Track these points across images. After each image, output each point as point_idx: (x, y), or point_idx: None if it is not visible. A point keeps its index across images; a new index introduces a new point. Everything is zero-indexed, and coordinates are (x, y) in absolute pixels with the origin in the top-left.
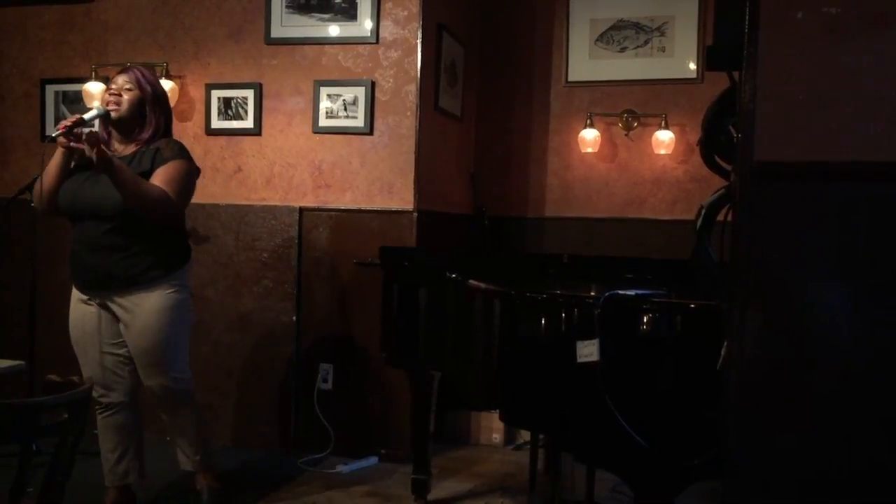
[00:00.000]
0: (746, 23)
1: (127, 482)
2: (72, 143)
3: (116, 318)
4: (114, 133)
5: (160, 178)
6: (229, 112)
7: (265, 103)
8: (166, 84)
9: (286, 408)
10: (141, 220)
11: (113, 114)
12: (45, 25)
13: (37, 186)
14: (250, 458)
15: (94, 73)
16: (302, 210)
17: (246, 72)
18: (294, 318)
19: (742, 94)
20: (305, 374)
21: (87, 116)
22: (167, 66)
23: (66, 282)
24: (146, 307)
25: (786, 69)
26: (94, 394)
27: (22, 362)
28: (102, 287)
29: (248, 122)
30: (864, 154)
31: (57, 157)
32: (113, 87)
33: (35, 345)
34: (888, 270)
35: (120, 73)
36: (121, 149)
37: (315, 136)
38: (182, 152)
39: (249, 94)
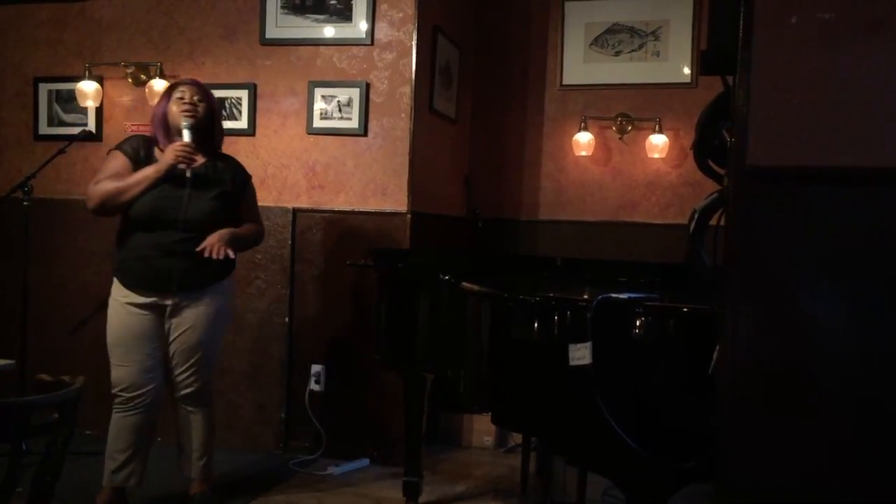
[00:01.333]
0: (740, 27)
1: (127, 485)
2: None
3: (163, 321)
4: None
5: (251, 210)
6: (224, 112)
7: (259, 104)
8: (160, 84)
9: (277, 409)
10: (212, 231)
11: (191, 123)
12: (38, 24)
13: (104, 195)
14: (241, 460)
15: (87, 72)
16: (295, 211)
17: (240, 72)
18: (286, 319)
19: (736, 99)
20: (297, 376)
21: (187, 139)
22: (161, 65)
23: (58, 281)
24: (202, 307)
25: (780, 74)
26: (122, 392)
27: (12, 361)
28: (166, 289)
29: (242, 123)
30: (857, 159)
31: (151, 177)
32: (184, 98)
33: (26, 344)
34: (881, 275)
35: (184, 84)
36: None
37: (309, 137)
38: (249, 177)
39: (244, 94)
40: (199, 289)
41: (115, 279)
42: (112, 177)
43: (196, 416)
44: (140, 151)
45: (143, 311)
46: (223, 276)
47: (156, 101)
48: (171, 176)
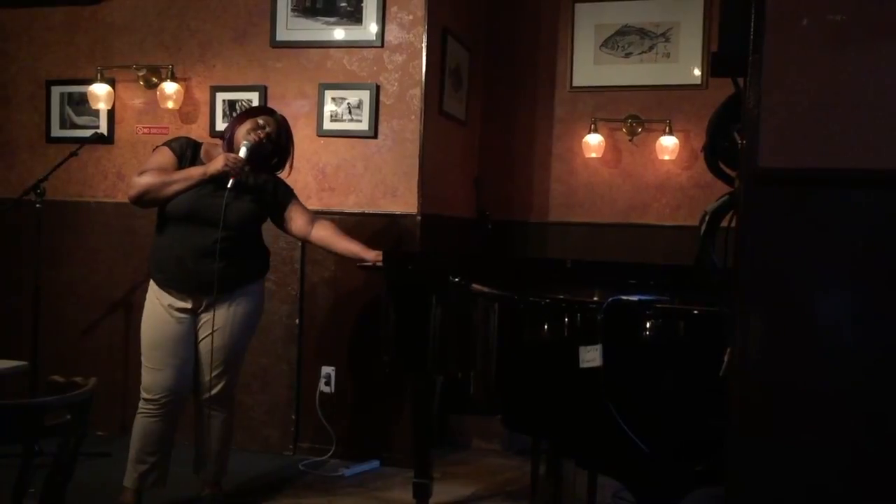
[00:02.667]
0: (751, 29)
1: (153, 488)
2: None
3: (197, 322)
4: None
5: (305, 212)
6: (234, 114)
7: (270, 106)
8: (171, 86)
9: (288, 411)
10: (248, 232)
11: (251, 142)
12: (51, 27)
13: (147, 186)
14: (252, 461)
15: (99, 75)
16: None
17: (251, 74)
18: (297, 321)
19: (746, 101)
20: (308, 377)
21: (242, 155)
22: (172, 68)
23: (70, 283)
24: (233, 308)
25: (791, 76)
26: (155, 397)
27: (25, 363)
28: (201, 290)
29: None
30: (868, 161)
31: (196, 177)
32: (259, 127)
33: (38, 346)
34: (893, 278)
35: (266, 114)
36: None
37: (319, 139)
38: (290, 189)
39: (254, 96)
40: (231, 290)
41: (151, 281)
42: (158, 170)
43: (217, 420)
44: (186, 151)
45: (180, 314)
46: (256, 278)
47: (167, 103)
48: (214, 180)
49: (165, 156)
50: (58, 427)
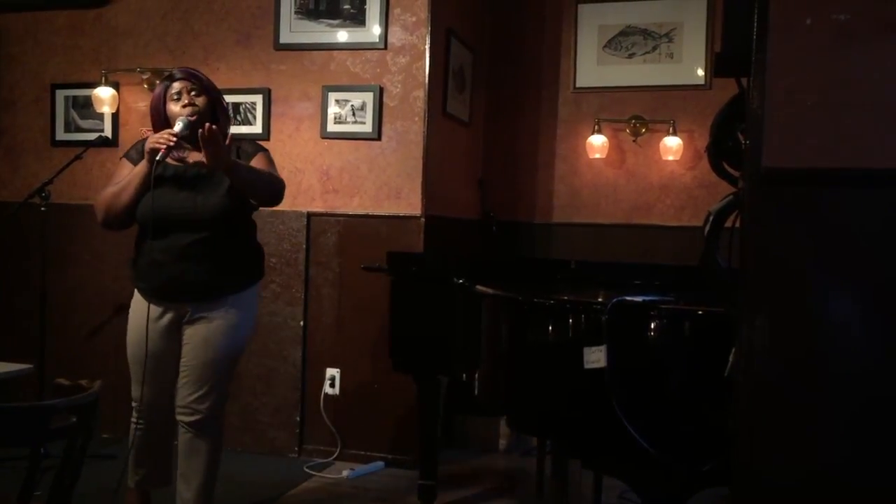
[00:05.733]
0: (755, 29)
1: (157, 488)
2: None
3: (181, 332)
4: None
5: (264, 167)
6: (238, 117)
7: (273, 108)
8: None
9: (293, 412)
10: (231, 230)
11: (193, 117)
12: (55, 30)
13: (104, 202)
14: (256, 463)
15: (104, 78)
16: (310, 215)
17: (254, 77)
18: (301, 322)
19: (750, 101)
20: (312, 379)
21: (177, 130)
22: None
23: (75, 286)
24: (219, 320)
25: (794, 75)
26: (140, 408)
27: (31, 366)
28: (181, 297)
29: (257, 128)
30: (872, 161)
31: (139, 172)
32: (181, 97)
33: (44, 348)
34: None
35: (177, 80)
36: (193, 154)
37: (323, 141)
38: (260, 147)
39: (258, 99)
40: (217, 297)
41: (135, 291)
42: (112, 185)
43: (199, 445)
44: (142, 153)
45: (163, 324)
46: (246, 286)
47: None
48: (174, 175)
49: (124, 167)
50: (64, 430)
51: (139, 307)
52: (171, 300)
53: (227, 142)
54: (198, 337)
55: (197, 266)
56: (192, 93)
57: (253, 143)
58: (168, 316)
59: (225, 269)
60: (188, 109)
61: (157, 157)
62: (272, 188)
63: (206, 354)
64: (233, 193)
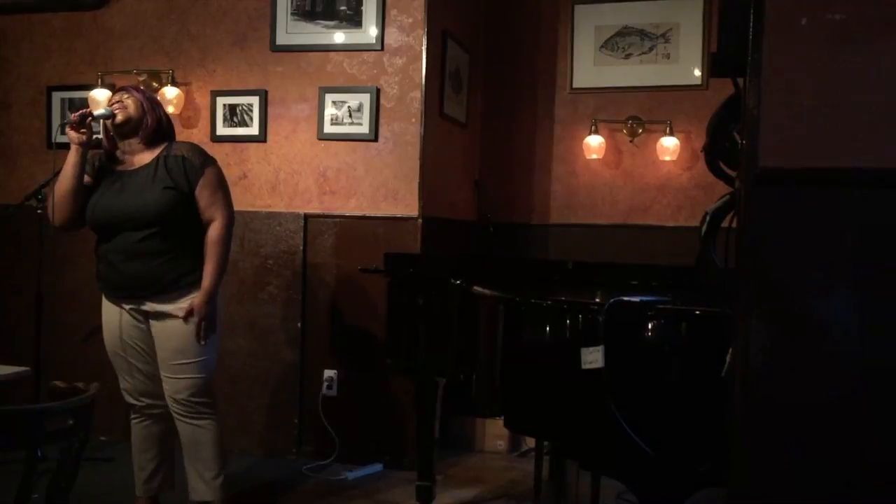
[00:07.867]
0: (751, 29)
1: (161, 492)
2: (82, 131)
3: (149, 326)
4: (130, 142)
5: (207, 198)
6: (234, 119)
7: (270, 110)
8: (172, 91)
9: (290, 414)
10: (177, 225)
11: (119, 115)
12: (51, 33)
13: (50, 203)
14: (254, 465)
15: (100, 81)
16: (307, 217)
17: (251, 79)
18: (299, 324)
19: (746, 101)
20: (310, 381)
21: (95, 113)
22: (173, 72)
23: (71, 289)
24: (179, 312)
25: (790, 76)
26: (132, 402)
27: (27, 368)
28: (139, 294)
29: (254, 129)
30: (868, 161)
31: (70, 161)
32: (114, 98)
33: (40, 351)
34: (894, 277)
35: (117, 91)
36: (137, 158)
37: (320, 142)
38: (206, 156)
39: (255, 100)
40: (175, 289)
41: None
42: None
43: (193, 433)
44: (94, 160)
45: (129, 320)
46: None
47: (168, 108)
48: (117, 177)
49: (66, 164)
50: (60, 433)
51: (108, 307)
52: (130, 297)
53: (155, 126)
54: (165, 331)
55: (150, 262)
56: (125, 95)
57: (200, 154)
58: (134, 313)
59: (179, 261)
60: (116, 105)
61: (65, 121)
62: (228, 249)
63: (175, 345)
64: (175, 191)
